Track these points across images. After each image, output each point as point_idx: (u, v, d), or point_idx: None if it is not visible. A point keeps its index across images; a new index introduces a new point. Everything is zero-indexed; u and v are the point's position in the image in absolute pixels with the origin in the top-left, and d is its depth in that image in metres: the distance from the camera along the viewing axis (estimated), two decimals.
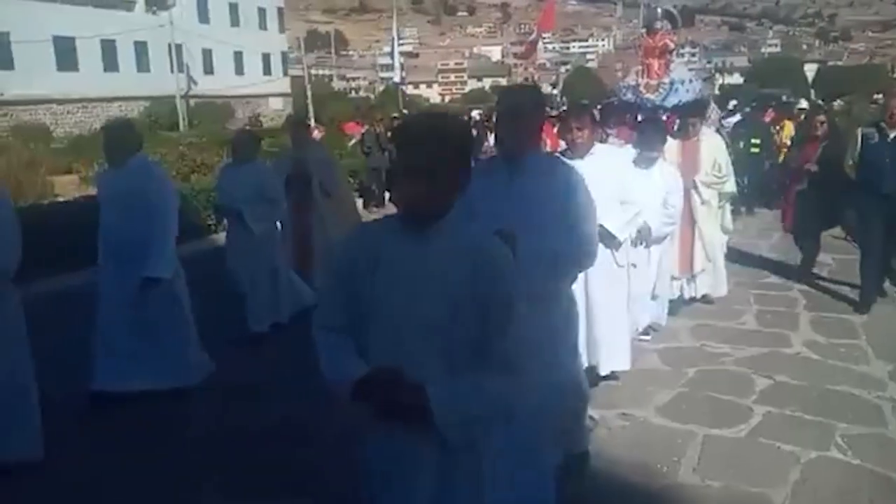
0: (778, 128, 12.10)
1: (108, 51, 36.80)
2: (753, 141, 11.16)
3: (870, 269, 6.25)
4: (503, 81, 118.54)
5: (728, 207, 6.77)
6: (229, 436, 4.17)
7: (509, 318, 1.93)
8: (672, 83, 16.04)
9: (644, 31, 18.60)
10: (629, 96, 16.78)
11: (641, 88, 16.63)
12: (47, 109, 33.28)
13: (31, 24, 31.63)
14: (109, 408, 4.43)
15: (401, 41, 52.29)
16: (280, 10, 51.73)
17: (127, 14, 40.37)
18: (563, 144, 8.71)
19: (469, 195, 2.08)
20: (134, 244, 4.40)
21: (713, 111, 9.41)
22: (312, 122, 41.12)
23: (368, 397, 1.87)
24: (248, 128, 8.44)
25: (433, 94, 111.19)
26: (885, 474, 3.53)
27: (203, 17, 43.25)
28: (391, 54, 43.75)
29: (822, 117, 7.14)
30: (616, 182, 4.02)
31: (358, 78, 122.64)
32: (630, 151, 5.24)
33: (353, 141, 19.87)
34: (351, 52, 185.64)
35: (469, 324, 1.91)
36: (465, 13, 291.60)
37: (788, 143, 11.02)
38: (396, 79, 48.39)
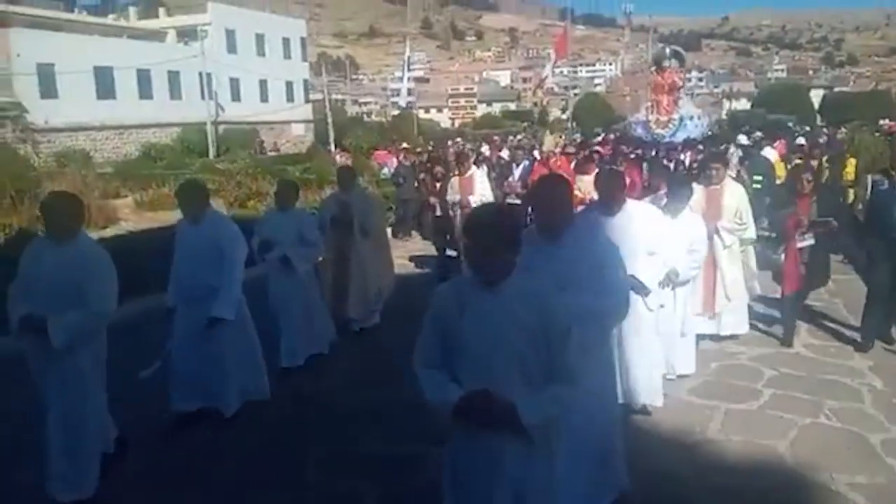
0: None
1: (144, 80, 38.68)
2: (756, 178, 11.03)
3: (874, 312, 6.52)
4: (512, 106, 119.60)
5: (752, 252, 7.14)
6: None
7: (567, 342, 2.61)
8: (681, 119, 17.42)
9: (654, 68, 19.91)
10: (639, 132, 18.03)
11: (651, 124, 17.91)
12: (87, 136, 34.99)
13: (75, 55, 33.47)
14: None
15: (412, 66, 53.44)
16: (303, 40, 53.73)
17: (161, 45, 42.41)
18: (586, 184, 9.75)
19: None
20: (206, 289, 5.04)
21: (734, 154, 9.93)
22: (333, 147, 42.69)
23: (466, 414, 2.52)
24: (287, 178, 8.62)
25: (444, 119, 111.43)
26: (859, 433, 4.86)
27: (231, 47, 45.18)
28: (402, 79, 44.54)
29: (808, 175, 6.91)
30: (645, 235, 4.56)
31: (370, 102, 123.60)
32: (656, 206, 5.58)
33: (384, 170, 20.95)
34: (361, 77, 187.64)
35: (540, 350, 2.57)
36: (473, 38, 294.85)
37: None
38: (402, 103, 49.63)
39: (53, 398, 4.11)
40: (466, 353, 2.60)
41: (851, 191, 10.58)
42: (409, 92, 49.20)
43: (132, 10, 45.95)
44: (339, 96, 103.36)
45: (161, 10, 46.05)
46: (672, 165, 11.12)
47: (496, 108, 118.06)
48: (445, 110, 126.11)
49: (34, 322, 3.95)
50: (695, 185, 6.62)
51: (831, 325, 7.39)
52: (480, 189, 9.50)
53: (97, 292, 4.06)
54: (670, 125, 16.45)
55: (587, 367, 3.10)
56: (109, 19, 44.33)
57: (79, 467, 4.15)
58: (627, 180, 9.27)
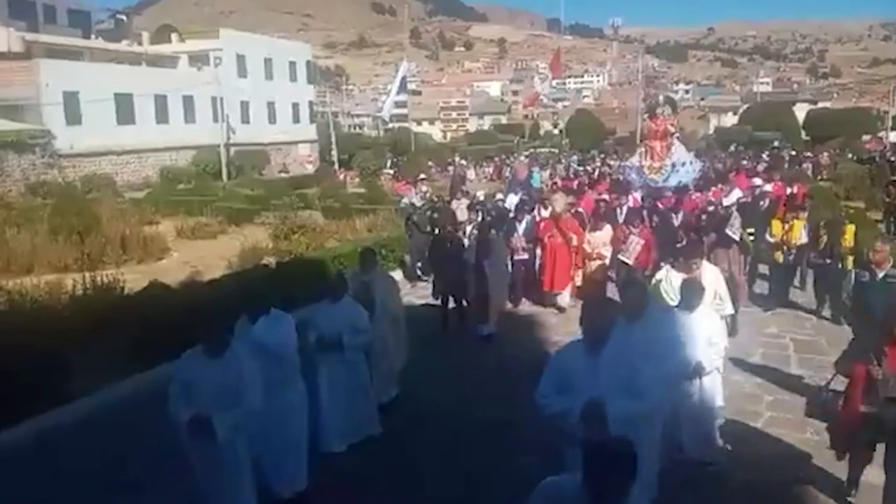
0: (787, 227, 11.09)
1: (161, 105, 40.54)
2: (749, 230, 11.37)
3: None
4: (503, 119, 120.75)
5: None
6: None
7: None
8: (673, 165, 18.62)
9: (646, 115, 21.02)
10: (633, 177, 19.14)
11: (645, 169, 19.03)
12: (109, 160, 36.65)
13: (98, 83, 35.24)
14: None
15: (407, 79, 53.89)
16: (308, 63, 55.94)
17: (176, 70, 44.27)
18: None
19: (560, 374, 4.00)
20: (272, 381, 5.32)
21: (736, 219, 10.48)
22: (337, 165, 44.10)
23: None
24: (341, 269, 9.16)
25: (435, 131, 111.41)
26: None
27: (241, 71, 47.22)
28: (398, 90, 44.91)
29: None
30: (708, 331, 6.01)
31: (361, 114, 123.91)
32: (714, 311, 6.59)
33: (403, 200, 22.19)
34: (352, 87, 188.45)
35: None
36: (462, 48, 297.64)
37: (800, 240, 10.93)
38: (385, 117, 50.74)
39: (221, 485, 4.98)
40: None
41: (851, 258, 10.27)
42: (397, 104, 49.53)
43: (145, 35, 47.69)
44: (334, 109, 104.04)
45: (173, 36, 47.82)
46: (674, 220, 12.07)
47: (487, 121, 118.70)
48: (437, 123, 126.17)
49: (202, 423, 4.68)
50: (674, 271, 7.41)
51: (815, 357, 9.17)
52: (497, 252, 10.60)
53: (250, 394, 4.85)
54: (663, 171, 17.78)
55: None
56: (123, 45, 46.03)
57: None
58: (642, 242, 10.85)
